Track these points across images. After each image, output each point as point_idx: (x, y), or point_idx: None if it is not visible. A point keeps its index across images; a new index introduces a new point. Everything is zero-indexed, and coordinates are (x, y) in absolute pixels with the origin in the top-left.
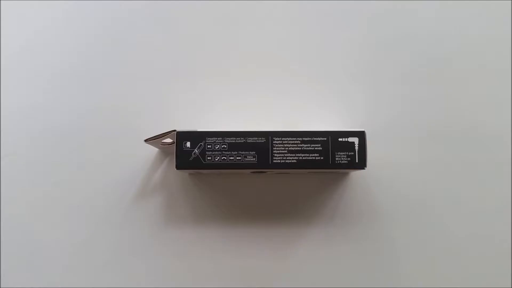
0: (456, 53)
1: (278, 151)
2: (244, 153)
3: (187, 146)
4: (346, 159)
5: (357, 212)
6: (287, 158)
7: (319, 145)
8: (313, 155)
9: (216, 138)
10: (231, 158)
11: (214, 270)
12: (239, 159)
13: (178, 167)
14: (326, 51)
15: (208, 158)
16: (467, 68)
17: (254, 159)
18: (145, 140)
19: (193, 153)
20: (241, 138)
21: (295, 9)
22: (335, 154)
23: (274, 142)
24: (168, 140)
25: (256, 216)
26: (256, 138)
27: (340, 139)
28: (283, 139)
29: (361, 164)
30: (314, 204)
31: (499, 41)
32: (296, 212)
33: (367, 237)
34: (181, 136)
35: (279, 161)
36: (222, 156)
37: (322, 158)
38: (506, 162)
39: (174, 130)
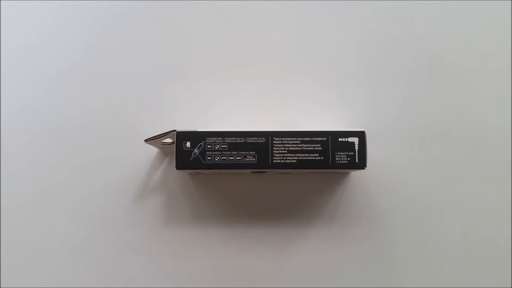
0: (456, 53)
1: (278, 151)
2: (244, 153)
3: (187, 146)
4: (346, 159)
5: (357, 212)
6: (287, 158)
7: (319, 145)
8: (313, 155)
9: (216, 138)
10: (231, 158)
11: (214, 270)
12: (239, 159)
13: (178, 167)
14: (326, 51)
15: (208, 158)
16: (467, 68)
17: (254, 159)
18: (145, 140)
19: (193, 153)
20: (241, 138)
21: (295, 9)
22: (335, 154)
23: (274, 142)
24: (168, 140)
25: (256, 216)
26: (256, 138)
27: (340, 139)
28: (283, 139)
29: (361, 164)
30: (314, 204)
31: (499, 41)
32: (296, 212)
33: (367, 237)
34: (181, 136)
35: (279, 161)
36: (222, 156)
37: (322, 158)
38: (506, 162)
39: (174, 130)
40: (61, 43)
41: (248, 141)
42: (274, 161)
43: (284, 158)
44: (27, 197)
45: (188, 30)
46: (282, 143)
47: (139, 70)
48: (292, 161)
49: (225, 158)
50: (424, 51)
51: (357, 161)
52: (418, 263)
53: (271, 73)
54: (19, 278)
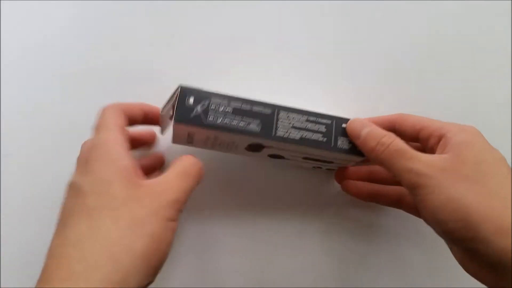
0: (456, 54)
1: (282, 125)
2: (249, 119)
3: (190, 102)
4: (348, 144)
5: (357, 211)
6: (291, 133)
7: (324, 126)
8: (316, 135)
9: (221, 100)
10: (234, 122)
11: (215, 270)
12: (242, 125)
13: (178, 119)
14: (327, 50)
15: (210, 118)
16: (468, 69)
17: (258, 128)
18: (161, 112)
19: (195, 111)
20: (247, 105)
21: (297, 9)
22: (338, 139)
23: (280, 115)
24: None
25: (256, 215)
26: (263, 108)
27: (343, 125)
28: (289, 114)
29: (361, 152)
30: (314, 201)
31: (499, 41)
32: (297, 210)
33: (367, 237)
34: (185, 92)
35: (283, 134)
36: (225, 119)
37: (325, 139)
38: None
39: (179, 86)
40: (62, 43)
41: (253, 109)
42: (277, 134)
43: (288, 132)
44: (28, 197)
45: (188, 29)
46: (287, 118)
47: (140, 69)
48: (295, 137)
49: (228, 121)
50: (425, 50)
51: (357, 149)
52: (418, 262)
53: (279, 64)
54: (19, 278)
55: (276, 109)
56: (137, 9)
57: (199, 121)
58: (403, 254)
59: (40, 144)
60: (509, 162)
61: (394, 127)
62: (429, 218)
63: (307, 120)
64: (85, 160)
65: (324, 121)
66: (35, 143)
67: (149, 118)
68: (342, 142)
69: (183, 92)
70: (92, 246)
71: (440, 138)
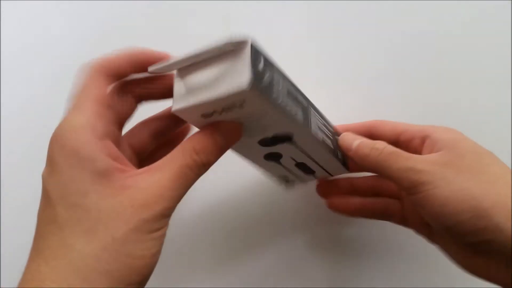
0: (456, 54)
1: (312, 121)
2: (296, 107)
3: (260, 67)
4: (341, 156)
5: (339, 226)
6: (317, 133)
7: (331, 134)
8: (328, 141)
9: (279, 76)
10: (288, 104)
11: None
12: (293, 111)
13: (255, 85)
14: (327, 51)
15: (274, 93)
16: (468, 69)
17: (302, 117)
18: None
19: (264, 80)
20: (295, 90)
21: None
22: (337, 150)
23: (312, 111)
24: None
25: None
26: (303, 98)
27: (336, 137)
28: (316, 112)
29: (347, 167)
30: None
31: (499, 41)
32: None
33: (367, 237)
34: (257, 52)
35: (314, 132)
36: (281, 99)
37: (332, 147)
38: (506, 163)
39: (246, 40)
40: (63, 42)
41: (298, 97)
42: (312, 129)
43: (316, 131)
44: (28, 197)
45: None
46: (315, 116)
47: None
48: (319, 138)
49: (285, 102)
50: (425, 51)
51: (345, 162)
52: (418, 262)
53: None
54: (19, 278)
55: (309, 103)
56: (138, 9)
57: (268, 92)
58: (395, 266)
59: (40, 144)
60: (509, 163)
61: (370, 133)
62: (434, 214)
63: (324, 125)
64: (50, 154)
65: (331, 128)
66: (35, 143)
67: (141, 71)
68: (340, 153)
69: (256, 52)
70: (65, 267)
71: (423, 139)
